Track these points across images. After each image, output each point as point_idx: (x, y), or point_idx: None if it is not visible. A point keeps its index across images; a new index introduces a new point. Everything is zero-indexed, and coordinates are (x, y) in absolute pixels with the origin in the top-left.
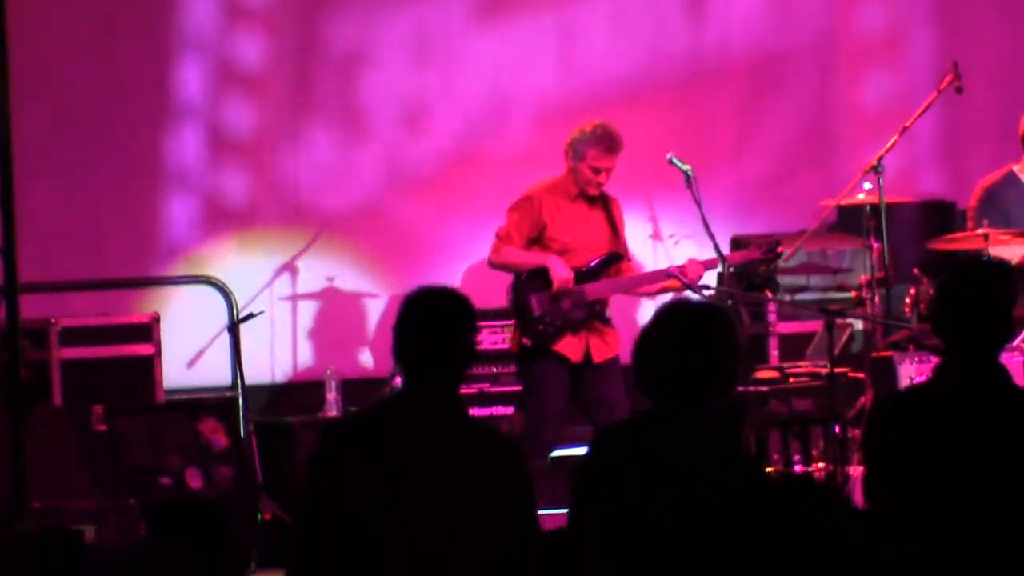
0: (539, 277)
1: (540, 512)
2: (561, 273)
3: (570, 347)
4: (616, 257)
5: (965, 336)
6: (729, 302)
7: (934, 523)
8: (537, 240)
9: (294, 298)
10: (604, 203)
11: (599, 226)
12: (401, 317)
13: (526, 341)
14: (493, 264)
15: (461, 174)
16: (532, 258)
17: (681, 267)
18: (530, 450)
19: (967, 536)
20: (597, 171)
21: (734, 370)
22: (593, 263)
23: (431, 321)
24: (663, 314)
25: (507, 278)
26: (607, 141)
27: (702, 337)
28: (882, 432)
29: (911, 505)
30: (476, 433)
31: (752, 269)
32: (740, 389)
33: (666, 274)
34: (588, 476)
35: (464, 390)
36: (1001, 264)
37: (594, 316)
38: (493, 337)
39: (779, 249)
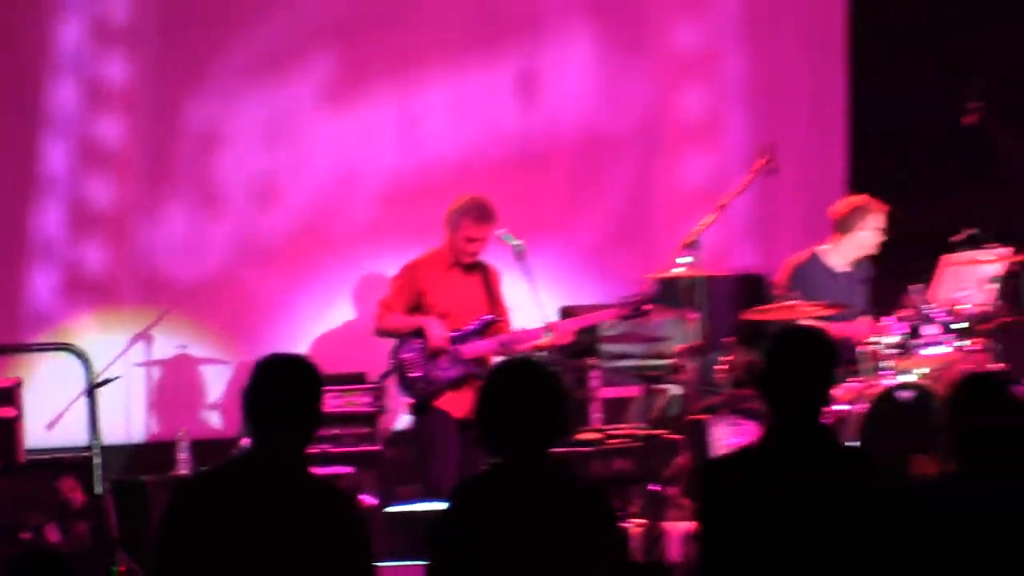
0: (418, 340)
1: (379, 564)
2: (436, 333)
3: (452, 403)
4: (493, 321)
5: (789, 399)
6: (556, 368)
7: None
8: (418, 307)
9: (148, 364)
10: (483, 271)
11: (476, 292)
12: (251, 382)
13: (410, 400)
14: (377, 331)
15: (308, 248)
16: (410, 322)
17: (554, 324)
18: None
19: None
20: (471, 240)
21: (568, 420)
22: (469, 326)
23: (280, 386)
24: (501, 371)
25: (348, 346)
26: (478, 212)
27: (540, 390)
28: (712, 492)
29: (741, 563)
30: (317, 490)
31: (582, 338)
32: (563, 451)
33: (544, 331)
34: (447, 528)
35: (308, 450)
36: (820, 333)
37: (474, 375)
38: (337, 400)
39: (644, 308)
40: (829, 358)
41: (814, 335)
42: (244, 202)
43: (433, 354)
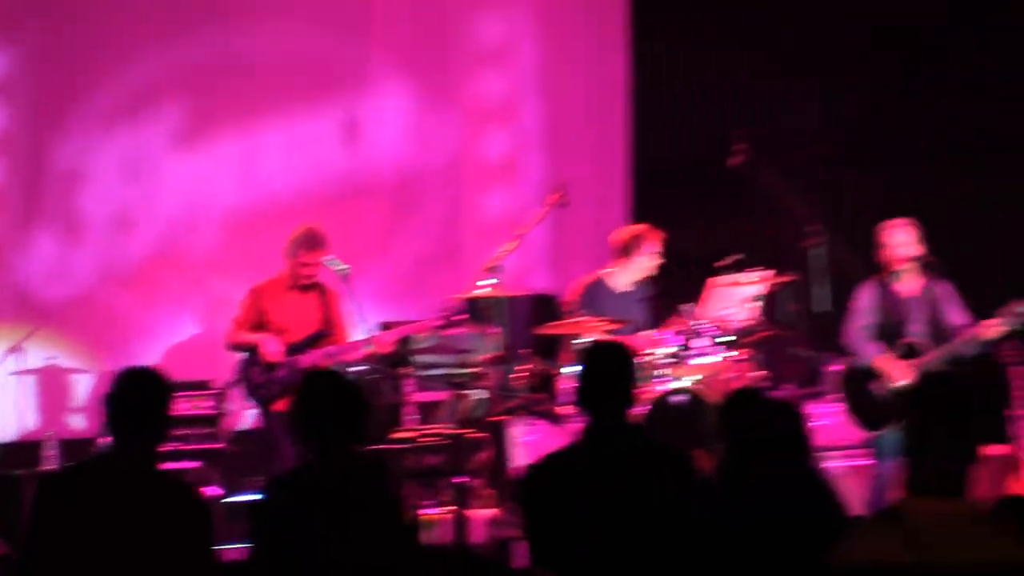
0: (256, 353)
1: (221, 547)
2: (270, 349)
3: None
4: (324, 334)
5: (602, 404)
6: (376, 375)
7: (581, 567)
8: (262, 325)
9: (21, 373)
10: (320, 292)
11: (312, 311)
12: (111, 390)
13: (256, 408)
14: (227, 346)
15: (161, 272)
16: (251, 339)
17: (376, 336)
18: None
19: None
20: (304, 265)
21: (366, 421)
22: (302, 339)
23: (134, 393)
24: (307, 380)
25: (195, 356)
26: (310, 242)
27: (342, 395)
28: (535, 489)
29: (564, 552)
30: (166, 483)
31: (400, 348)
32: (382, 447)
33: (365, 343)
34: (263, 517)
35: (160, 448)
36: (623, 345)
37: None
38: (185, 404)
39: (454, 318)
40: (632, 366)
41: (618, 348)
42: (106, 232)
43: (270, 366)
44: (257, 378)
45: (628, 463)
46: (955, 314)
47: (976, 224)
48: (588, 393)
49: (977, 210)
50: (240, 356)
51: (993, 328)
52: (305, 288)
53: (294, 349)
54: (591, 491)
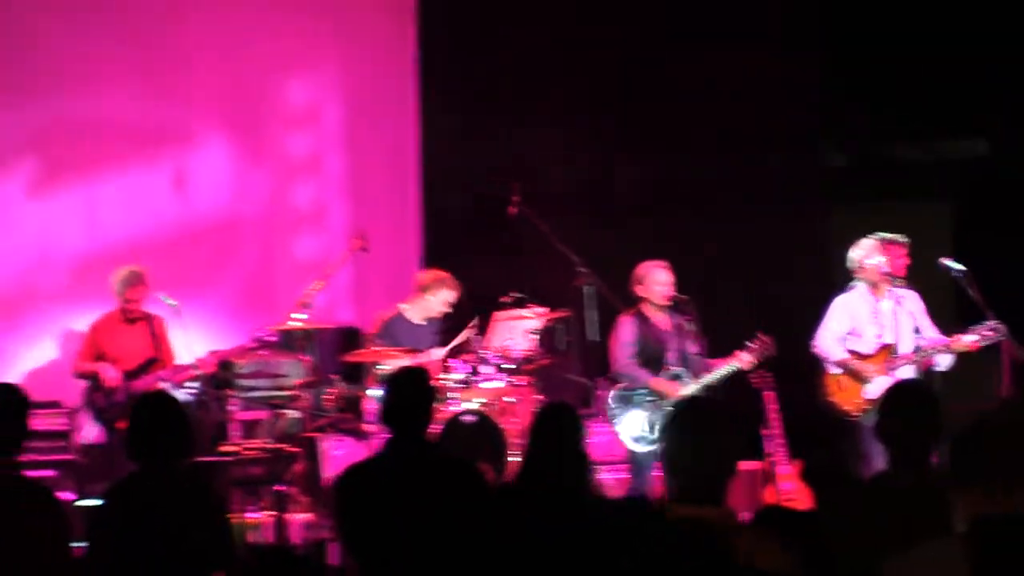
0: (97, 380)
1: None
2: (108, 374)
3: None
4: (155, 360)
5: (405, 422)
6: (204, 396)
7: (383, 563)
8: (101, 355)
9: None
10: (149, 321)
11: (142, 339)
12: None
13: (101, 426)
14: (73, 374)
15: (18, 306)
16: (91, 368)
17: (200, 359)
18: None
19: None
20: (129, 301)
21: (190, 437)
22: (135, 366)
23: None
24: (139, 402)
25: (48, 379)
26: (130, 279)
27: (166, 416)
28: (343, 496)
29: (368, 548)
30: (27, 487)
31: (223, 372)
32: (209, 459)
33: (191, 366)
34: (100, 520)
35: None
36: (423, 371)
37: None
38: (41, 421)
39: (267, 338)
40: (431, 390)
41: (420, 374)
42: None
43: (110, 391)
44: (100, 402)
45: (424, 474)
46: (698, 347)
47: (705, 265)
48: (392, 413)
49: (703, 252)
50: (85, 383)
51: (744, 361)
52: (133, 320)
53: (129, 375)
54: (392, 497)
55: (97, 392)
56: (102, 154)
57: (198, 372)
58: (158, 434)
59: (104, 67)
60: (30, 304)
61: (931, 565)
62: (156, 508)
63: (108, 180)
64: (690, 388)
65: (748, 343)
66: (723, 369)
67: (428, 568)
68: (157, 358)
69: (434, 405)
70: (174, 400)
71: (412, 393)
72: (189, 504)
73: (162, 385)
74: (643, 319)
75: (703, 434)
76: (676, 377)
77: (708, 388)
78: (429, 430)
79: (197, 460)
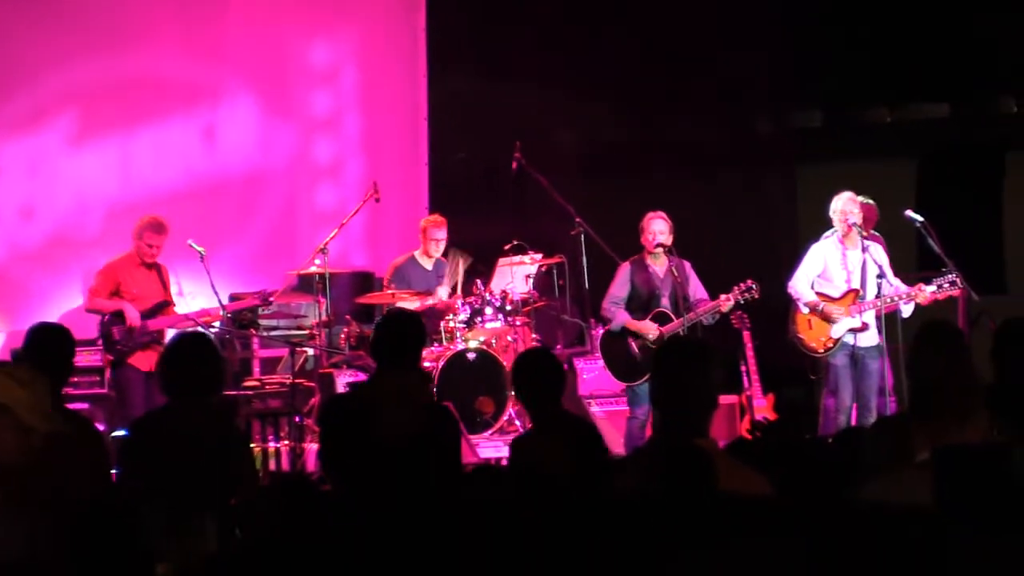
0: (117, 316)
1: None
2: (132, 314)
3: (141, 360)
4: (166, 303)
5: (392, 358)
6: (227, 336)
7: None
8: (116, 292)
9: None
10: (158, 269)
11: (155, 284)
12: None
13: (109, 357)
14: (87, 310)
15: (56, 251)
16: (112, 305)
17: (225, 306)
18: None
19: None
20: (150, 246)
21: (221, 379)
22: (149, 307)
23: (50, 346)
24: (177, 341)
25: (83, 320)
26: (155, 226)
27: (202, 355)
28: (329, 417)
29: (347, 466)
30: (72, 419)
31: (245, 313)
32: (234, 392)
33: (219, 311)
34: (129, 450)
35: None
36: (411, 313)
37: (156, 340)
38: (79, 357)
39: (270, 298)
40: (419, 329)
41: (407, 314)
42: (14, 217)
43: (130, 328)
44: (116, 335)
45: (405, 398)
46: (695, 290)
47: (692, 215)
48: (381, 348)
49: (694, 209)
50: (100, 317)
51: (725, 302)
52: (149, 266)
53: (145, 315)
54: (373, 418)
55: (114, 327)
56: (138, 109)
57: (224, 314)
58: (195, 371)
59: (142, 28)
60: (68, 249)
61: (898, 489)
62: (187, 438)
63: (142, 133)
64: (668, 333)
65: (736, 288)
66: (706, 311)
67: (395, 497)
68: (168, 301)
69: (420, 341)
70: (210, 340)
71: (398, 330)
72: (216, 435)
73: (192, 327)
74: (641, 266)
75: (688, 370)
76: (662, 318)
77: (691, 328)
78: (416, 366)
79: (223, 394)
